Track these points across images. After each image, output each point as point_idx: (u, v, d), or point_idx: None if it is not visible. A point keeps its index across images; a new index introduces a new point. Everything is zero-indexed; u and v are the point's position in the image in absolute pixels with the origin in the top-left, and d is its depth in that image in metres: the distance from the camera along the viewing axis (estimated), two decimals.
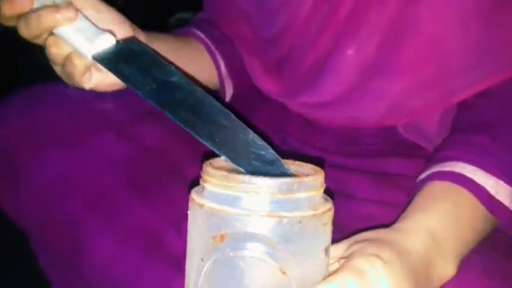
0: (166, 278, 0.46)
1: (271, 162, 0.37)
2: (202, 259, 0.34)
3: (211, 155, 0.39)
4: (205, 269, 0.34)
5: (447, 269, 0.41)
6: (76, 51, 0.47)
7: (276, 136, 0.63)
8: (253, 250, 0.32)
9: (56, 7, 0.45)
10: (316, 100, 0.57)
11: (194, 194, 0.35)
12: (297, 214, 0.33)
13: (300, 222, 0.32)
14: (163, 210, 0.50)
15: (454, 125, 0.51)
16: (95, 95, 0.52)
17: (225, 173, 0.34)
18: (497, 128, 0.47)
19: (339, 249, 0.39)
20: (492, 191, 0.44)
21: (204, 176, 0.35)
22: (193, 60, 0.63)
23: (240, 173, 0.36)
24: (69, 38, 0.46)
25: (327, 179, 0.35)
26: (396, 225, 0.42)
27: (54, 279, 0.56)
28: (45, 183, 0.51)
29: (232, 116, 0.40)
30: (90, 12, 0.48)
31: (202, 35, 0.66)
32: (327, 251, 0.35)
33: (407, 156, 0.57)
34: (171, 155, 0.56)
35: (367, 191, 0.54)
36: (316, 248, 0.34)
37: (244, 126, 0.39)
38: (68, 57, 0.47)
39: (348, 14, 0.53)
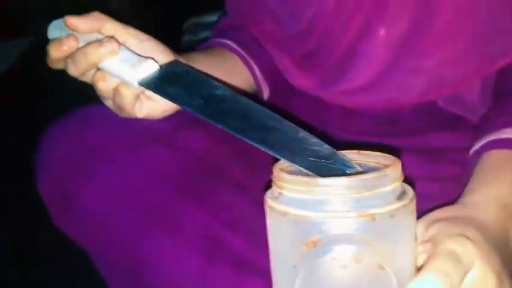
0: (231, 278, 0.47)
1: (328, 157, 0.37)
2: (295, 266, 0.33)
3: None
4: (300, 276, 0.33)
5: None
6: (123, 81, 0.48)
7: (315, 126, 0.62)
8: (349, 251, 0.32)
9: (99, 42, 0.47)
10: (352, 86, 0.57)
11: (272, 202, 0.34)
12: (388, 208, 0.32)
13: (391, 216, 0.32)
14: (218, 213, 0.51)
15: (497, 91, 0.51)
16: None
17: (304, 178, 0.33)
18: None
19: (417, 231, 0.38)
20: None
21: (279, 183, 0.34)
22: (231, 71, 0.64)
23: (314, 176, 0.35)
24: (114, 70, 0.48)
25: None
26: (465, 200, 0.42)
27: None
28: (102, 202, 0.51)
29: (280, 117, 0.41)
30: (132, 42, 0.50)
31: (232, 44, 0.66)
32: (415, 237, 0.35)
33: (449, 129, 0.57)
34: (216, 159, 0.57)
35: (413, 168, 0.53)
36: (408, 237, 0.33)
37: (294, 125, 0.40)
38: (116, 90, 0.49)
39: None
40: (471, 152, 0.47)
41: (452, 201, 0.43)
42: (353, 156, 0.38)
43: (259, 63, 0.66)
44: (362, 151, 0.38)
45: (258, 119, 0.41)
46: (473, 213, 0.40)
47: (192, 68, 0.52)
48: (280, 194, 0.34)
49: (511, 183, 0.42)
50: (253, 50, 0.66)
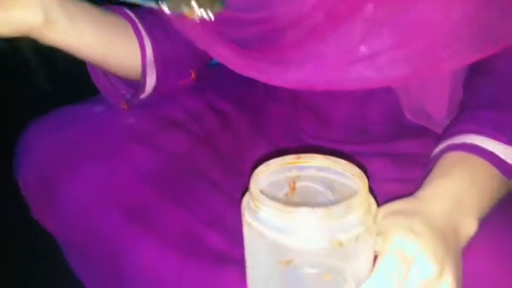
0: (211, 273, 0.50)
1: None
2: (267, 277, 0.38)
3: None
4: (272, 285, 0.38)
5: (471, 226, 0.45)
6: None
7: (291, 134, 0.64)
8: (318, 270, 0.36)
9: None
10: (302, 74, 0.54)
11: (250, 218, 0.38)
12: (353, 233, 0.36)
13: (356, 240, 0.36)
14: (196, 212, 0.53)
15: (461, 107, 0.53)
16: (121, 112, 0.54)
17: (280, 206, 0.36)
18: (503, 102, 0.50)
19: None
20: (502, 156, 0.48)
21: (257, 203, 0.37)
22: (119, 37, 0.58)
23: (292, 204, 0.38)
24: None
25: None
26: (420, 194, 0.46)
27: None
28: (82, 199, 0.52)
29: None
30: None
31: (131, 15, 0.60)
32: (375, 243, 0.39)
33: (416, 138, 0.60)
34: (195, 160, 0.58)
35: (384, 171, 0.57)
36: (370, 251, 0.38)
37: None
38: None
39: None
40: (432, 155, 0.51)
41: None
42: (323, 161, 0.41)
43: (156, 46, 0.60)
44: (331, 157, 0.41)
45: None
46: (423, 205, 0.44)
47: None
48: (257, 211, 0.38)
49: (461, 178, 0.47)
50: (155, 32, 0.61)
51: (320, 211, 0.35)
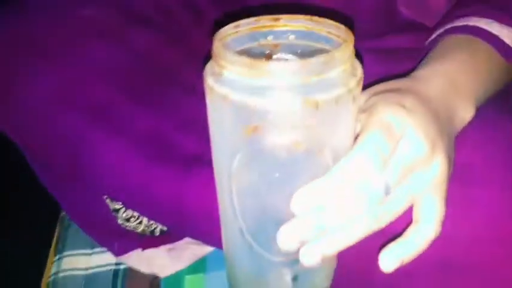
0: (179, 178, 0.46)
1: None
2: (233, 150, 0.32)
3: None
4: (238, 159, 0.33)
5: (467, 111, 0.41)
6: None
7: None
8: (289, 138, 0.31)
9: None
10: None
11: (212, 82, 0.32)
12: (333, 94, 0.30)
13: (336, 102, 0.31)
14: (166, 114, 0.49)
15: None
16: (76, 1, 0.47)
17: (248, 60, 0.30)
18: None
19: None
20: (507, 40, 0.43)
21: (221, 62, 0.31)
22: None
23: (259, 58, 0.32)
24: None
25: None
26: (415, 74, 0.41)
27: (56, 194, 0.56)
28: (39, 99, 0.47)
29: None
30: None
31: None
32: (356, 118, 0.34)
33: (407, 32, 0.54)
34: (164, 58, 0.53)
35: (372, 67, 0.51)
36: (349, 120, 0.33)
37: None
38: None
39: None
40: (427, 42, 0.46)
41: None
42: (306, 22, 0.35)
43: None
44: (315, 17, 0.35)
45: None
46: (419, 85, 0.39)
47: None
48: (221, 74, 0.32)
49: (461, 61, 0.42)
50: None
51: (294, 64, 0.29)
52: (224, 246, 0.39)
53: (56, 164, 0.53)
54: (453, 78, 0.40)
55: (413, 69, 0.45)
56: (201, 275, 0.67)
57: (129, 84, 0.50)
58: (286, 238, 0.32)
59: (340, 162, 0.32)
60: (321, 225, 0.32)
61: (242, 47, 0.36)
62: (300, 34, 0.36)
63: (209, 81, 0.32)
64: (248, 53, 0.36)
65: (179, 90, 0.53)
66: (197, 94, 0.52)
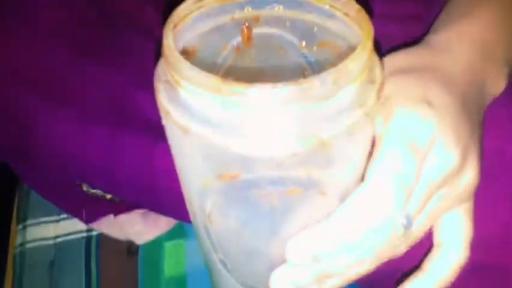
0: (145, 146, 0.40)
1: None
2: (205, 193, 0.23)
3: None
4: (210, 204, 0.23)
5: (499, 83, 0.32)
6: None
7: None
8: (283, 187, 0.22)
9: None
10: None
11: (165, 101, 0.21)
12: (344, 124, 0.20)
13: (349, 134, 0.21)
14: (125, 70, 0.42)
15: None
16: None
17: (215, 81, 0.19)
18: None
19: None
20: None
21: (175, 75, 0.21)
22: None
23: (242, 70, 0.22)
24: None
25: None
26: (430, 39, 0.31)
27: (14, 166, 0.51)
28: None
29: None
30: None
31: None
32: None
33: None
34: (117, 1, 0.45)
35: (374, 4, 0.39)
36: (366, 147, 0.23)
37: None
38: None
39: None
40: None
41: (415, 43, 0.32)
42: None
43: None
44: None
45: None
46: (440, 58, 0.30)
47: None
48: (177, 89, 0.21)
49: (488, 20, 0.32)
50: None
51: (287, 89, 0.19)
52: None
53: (10, 145, 0.47)
54: (481, 41, 0.31)
55: (416, 13, 0.37)
56: (181, 241, 0.61)
57: (76, 40, 0.43)
58: (279, 283, 0.26)
59: (349, 199, 0.23)
60: (321, 273, 0.25)
61: (210, 27, 0.25)
62: (289, 4, 0.25)
63: (161, 98, 0.22)
64: (220, 33, 0.26)
65: (137, 37, 0.45)
66: (156, 39, 0.44)
